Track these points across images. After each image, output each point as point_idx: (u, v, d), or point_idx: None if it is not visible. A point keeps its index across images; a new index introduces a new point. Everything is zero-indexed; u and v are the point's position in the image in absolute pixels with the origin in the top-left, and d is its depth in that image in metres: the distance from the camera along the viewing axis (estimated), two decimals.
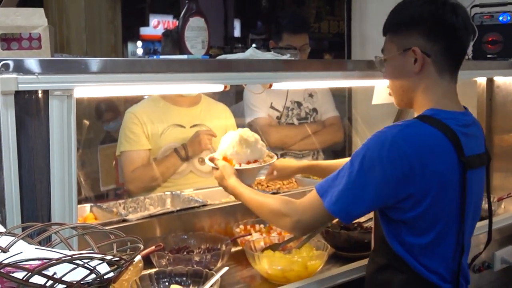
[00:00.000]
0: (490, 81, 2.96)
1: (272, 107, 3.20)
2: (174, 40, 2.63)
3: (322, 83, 2.57)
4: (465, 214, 1.62)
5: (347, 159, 1.63)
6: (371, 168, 1.53)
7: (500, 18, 2.69)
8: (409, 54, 1.65)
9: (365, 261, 1.95)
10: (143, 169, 2.69)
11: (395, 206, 1.57)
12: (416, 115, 1.69)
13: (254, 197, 1.81)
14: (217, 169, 1.93)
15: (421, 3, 1.65)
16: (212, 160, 2.00)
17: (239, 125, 3.00)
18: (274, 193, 2.43)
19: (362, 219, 2.23)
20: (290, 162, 2.32)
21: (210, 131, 2.78)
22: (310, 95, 3.29)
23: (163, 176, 2.70)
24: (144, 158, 2.70)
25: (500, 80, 2.94)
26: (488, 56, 2.69)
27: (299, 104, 3.26)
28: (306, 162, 2.34)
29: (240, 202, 2.33)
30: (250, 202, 1.81)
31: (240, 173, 1.92)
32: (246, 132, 2.00)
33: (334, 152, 3.47)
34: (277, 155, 2.40)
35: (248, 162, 1.97)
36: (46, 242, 1.26)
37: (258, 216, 1.95)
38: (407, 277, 1.63)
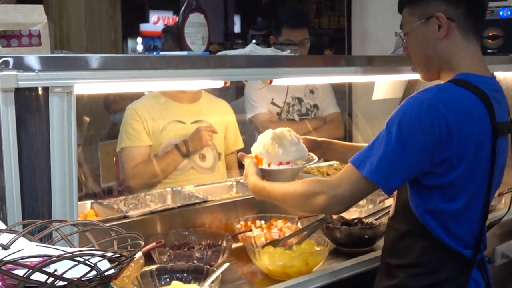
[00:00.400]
0: None
1: (272, 103, 3.20)
2: (174, 36, 2.63)
3: (322, 78, 2.57)
4: (493, 180, 1.62)
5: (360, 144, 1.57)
6: (410, 132, 1.50)
7: (501, 13, 2.68)
8: (432, 21, 1.64)
9: (365, 257, 1.96)
10: (144, 166, 2.69)
11: (430, 171, 1.54)
12: None
13: (278, 186, 1.71)
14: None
15: None
16: (241, 157, 1.90)
17: (240, 121, 3.00)
18: None
19: (363, 215, 2.23)
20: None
21: (210, 127, 2.78)
22: (311, 91, 3.28)
23: (163, 173, 2.70)
24: (144, 154, 2.71)
25: (501, 75, 2.93)
26: (489, 51, 2.69)
27: (300, 100, 3.25)
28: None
29: (240, 198, 2.36)
30: (274, 193, 1.71)
31: (266, 174, 1.79)
32: (284, 132, 1.86)
33: None
34: None
35: (280, 164, 1.82)
36: (47, 239, 1.26)
37: (285, 208, 1.82)
38: (428, 244, 1.61)
